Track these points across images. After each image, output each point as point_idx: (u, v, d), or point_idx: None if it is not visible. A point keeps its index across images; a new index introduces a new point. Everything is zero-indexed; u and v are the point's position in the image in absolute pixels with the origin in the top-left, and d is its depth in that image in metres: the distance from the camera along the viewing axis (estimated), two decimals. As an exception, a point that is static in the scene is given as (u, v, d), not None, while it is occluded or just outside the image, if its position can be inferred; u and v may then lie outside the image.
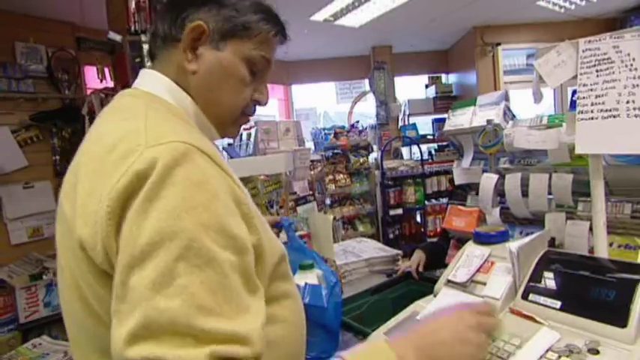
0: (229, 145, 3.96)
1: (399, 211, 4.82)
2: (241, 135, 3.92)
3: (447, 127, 1.28)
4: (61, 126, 3.29)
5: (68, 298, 0.62)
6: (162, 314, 0.46)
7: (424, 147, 5.27)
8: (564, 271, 0.84)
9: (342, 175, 4.99)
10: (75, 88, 3.47)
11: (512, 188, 1.11)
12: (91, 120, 2.67)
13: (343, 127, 5.16)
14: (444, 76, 5.78)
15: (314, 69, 5.69)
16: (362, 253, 2.02)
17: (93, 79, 3.60)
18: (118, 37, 2.46)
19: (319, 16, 4.03)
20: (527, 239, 0.91)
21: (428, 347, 0.63)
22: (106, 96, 2.53)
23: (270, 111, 6.16)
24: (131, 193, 0.50)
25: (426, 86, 5.72)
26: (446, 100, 5.42)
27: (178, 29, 0.68)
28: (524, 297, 0.85)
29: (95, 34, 3.00)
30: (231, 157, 2.71)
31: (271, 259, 0.65)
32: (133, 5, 2.51)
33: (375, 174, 5.00)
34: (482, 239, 1.00)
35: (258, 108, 0.79)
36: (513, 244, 0.88)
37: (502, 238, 0.99)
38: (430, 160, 5.24)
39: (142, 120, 0.60)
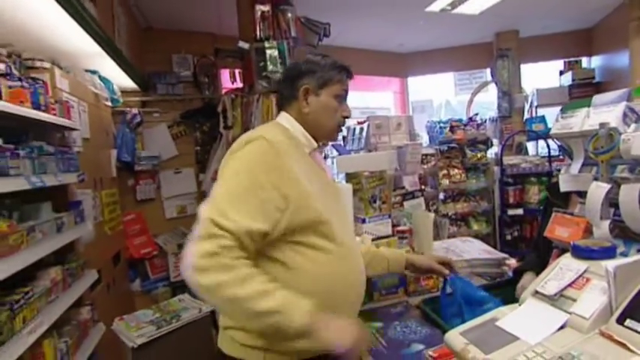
0: (344, 138, 4.15)
1: (519, 211, 4.43)
2: (354, 129, 4.07)
3: (554, 129, 1.19)
4: (202, 122, 3.88)
5: None
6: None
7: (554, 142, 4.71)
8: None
9: (457, 170, 4.79)
10: (213, 89, 4.04)
11: (629, 200, 1.00)
12: (224, 117, 3.10)
13: (460, 120, 4.92)
14: (584, 60, 5.03)
15: (431, 60, 5.52)
16: (464, 253, 1.98)
17: (228, 80, 4.13)
18: (246, 45, 2.81)
19: (435, 7, 3.90)
20: (631, 259, 0.83)
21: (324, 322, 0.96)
22: (236, 96, 2.92)
23: (384, 103, 6.19)
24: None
25: (561, 73, 5.06)
26: (585, 88, 4.72)
27: (294, 91, 1.18)
28: (620, 321, 0.79)
29: (229, 41, 3.45)
30: (339, 154, 2.86)
31: (302, 211, 1.03)
32: (258, 15, 2.83)
33: (493, 170, 4.67)
34: (581, 253, 0.94)
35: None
36: (611, 262, 0.82)
37: (604, 254, 0.92)
38: (561, 157, 4.66)
39: (259, 132, 1.11)
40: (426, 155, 4.66)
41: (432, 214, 1.93)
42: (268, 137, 1.05)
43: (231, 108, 2.88)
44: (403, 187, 2.94)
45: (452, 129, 4.81)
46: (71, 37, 2.20)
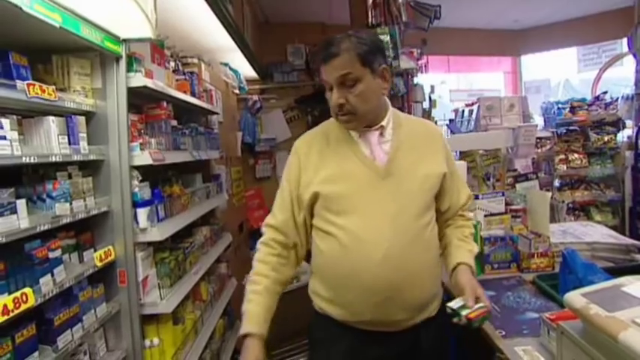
0: (450, 121, 4.09)
1: (658, 202, 3.90)
2: (462, 111, 3.99)
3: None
4: (313, 107, 4.18)
5: None
6: None
7: None
8: None
9: (576, 155, 4.39)
10: (323, 76, 4.30)
11: None
12: (336, 102, 3.31)
13: (583, 100, 4.47)
14: None
15: (550, 34, 5.05)
16: (584, 236, 1.91)
17: (335, 67, 4.35)
18: (358, 33, 2.96)
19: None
20: None
21: None
22: (348, 82, 3.10)
23: (493, 85, 5.86)
24: None
25: None
26: None
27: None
28: None
29: (339, 29, 3.63)
30: (453, 133, 2.89)
31: (308, 191, 1.13)
32: (370, 3, 2.96)
33: (624, 155, 4.17)
34: None
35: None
36: None
37: None
38: None
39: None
40: (541, 139, 4.35)
41: (549, 194, 1.89)
42: (298, 141, 1.22)
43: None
44: (515, 170, 2.86)
45: (572, 110, 4.40)
46: (214, 36, 2.59)
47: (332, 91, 1.08)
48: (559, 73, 5.72)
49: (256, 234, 4.26)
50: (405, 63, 3.17)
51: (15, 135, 1.00)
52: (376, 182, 1.11)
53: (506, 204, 2.01)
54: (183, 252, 1.78)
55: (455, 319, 1.03)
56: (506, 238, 1.76)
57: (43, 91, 1.07)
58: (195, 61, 2.61)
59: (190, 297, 1.92)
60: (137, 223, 1.47)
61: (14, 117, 1.03)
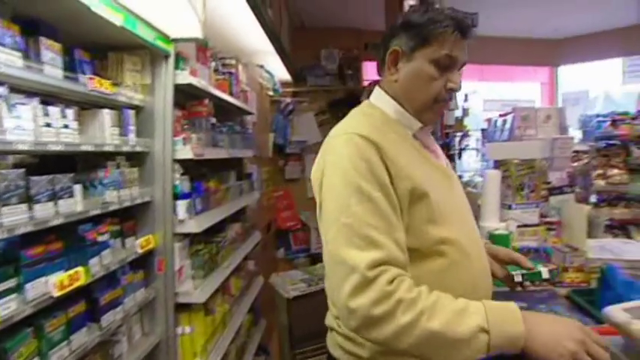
0: (483, 130, 4.02)
1: None
2: (495, 122, 3.91)
3: None
4: (345, 111, 4.17)
5: None
6: None
7: None
8: None
9: (616, 171, 4.22)
10: (356, 81, 4.33)
11: None
12: (368, 107, 3.33)
13: (627, 114, 4.29)
14: None
15: (593, 44, 4.89)
16: (624, 254, 1.83)
17: (370, 72, 4.38)
18: (395, 38, 2.97)
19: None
20: None
21: (538, 325, 0.76)
22: (381, 87, 3.12)
23: (528, 95, 5.72)
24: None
25: None
26: None
27: (384, 56, 0.97)
28: None
29: (375, 35, 3.65)
30: (488, 141, 2.86)
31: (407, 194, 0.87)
32: (406, 9, 2.97)
33: (668, 173, 3.98)
34: None
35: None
36: None
37: None
38: None
39: (349, 120, 1.01)
40: (577, 152, 4.21)
41: (587, 207, 1.84)
42: (362, 135, 0.88)
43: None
44: (549, 183, 2.79)
45: (614, 123, 4.24)
46: (253, 38, 2.66)
47: (447, 72, 0.91)
48: (599, 85, 5.51)
49: (282, 235, 4.30)
50: (439, 70, 3.16)
51: (76, 125, 1.07)
52: (450, 188, 1.01)
53: (541, 216, 1.97)
54: (217, 245, 1.84)
55: (526, 283, 1.14)
56: (540, 250, 1.72)
57: (101, 85, 1.14)
58: (234, 62, 2.68)
59: (221, 290, 1.97)
60: (176, 214, 1.54)
61: (75, 108, 1.10)
